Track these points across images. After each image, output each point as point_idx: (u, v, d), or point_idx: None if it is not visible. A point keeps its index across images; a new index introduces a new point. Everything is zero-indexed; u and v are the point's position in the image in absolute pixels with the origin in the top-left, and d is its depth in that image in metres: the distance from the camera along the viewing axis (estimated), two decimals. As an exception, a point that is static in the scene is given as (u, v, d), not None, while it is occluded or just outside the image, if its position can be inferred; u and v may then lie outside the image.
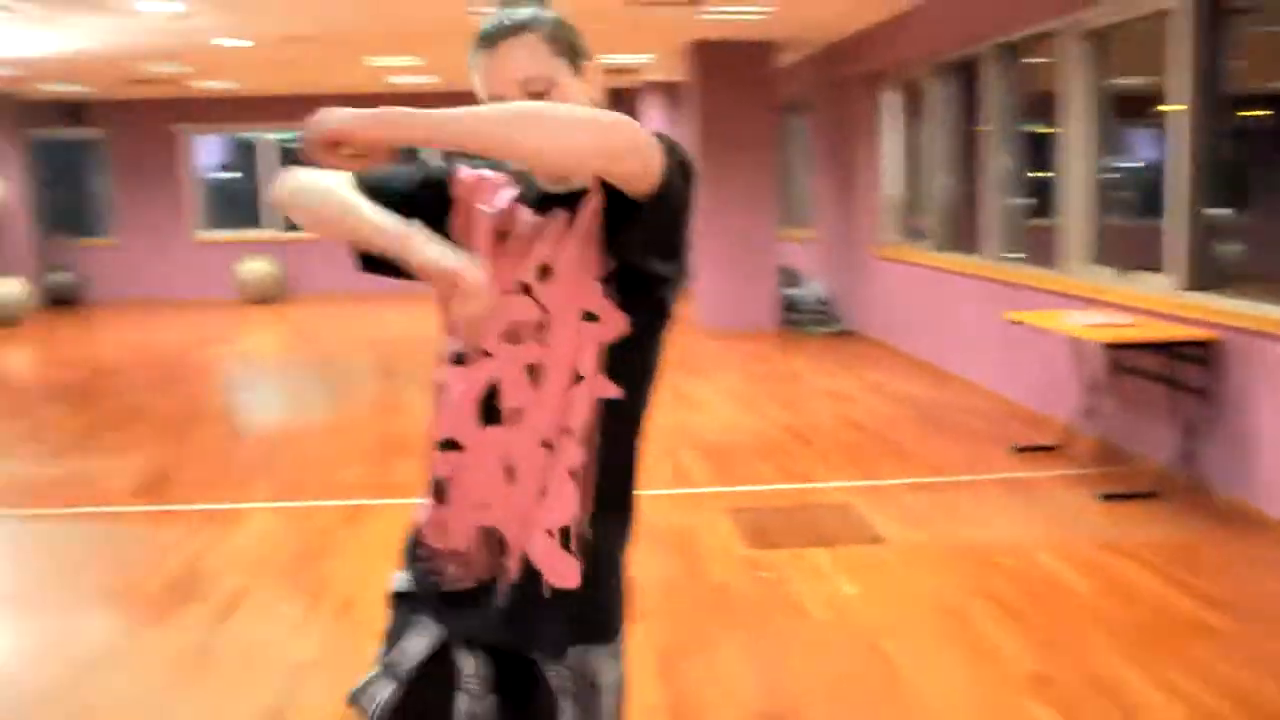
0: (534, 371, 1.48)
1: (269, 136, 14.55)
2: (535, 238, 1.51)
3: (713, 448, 6.01)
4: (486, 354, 1.50)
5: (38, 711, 3.24)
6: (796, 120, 12.25)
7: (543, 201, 1.54)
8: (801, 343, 9.76)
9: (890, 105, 9.33)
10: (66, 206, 14.73)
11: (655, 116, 13.59)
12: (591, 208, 1.47)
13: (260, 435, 7.23)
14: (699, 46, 10.09)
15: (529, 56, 1.46)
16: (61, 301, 13.95)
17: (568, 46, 1.50)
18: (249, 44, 9.28)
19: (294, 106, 13.80)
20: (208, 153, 15.43)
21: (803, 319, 10.41)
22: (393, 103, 1.32)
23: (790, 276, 10.95)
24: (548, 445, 1.47)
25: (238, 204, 15.30)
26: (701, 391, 7.58)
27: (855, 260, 10.12)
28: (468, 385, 1.50)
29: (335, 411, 7.91)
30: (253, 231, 14.57)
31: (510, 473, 1.48)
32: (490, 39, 1.48)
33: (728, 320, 10.28)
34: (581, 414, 1.47)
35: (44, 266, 13.94)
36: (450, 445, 1.52)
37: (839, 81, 10.27)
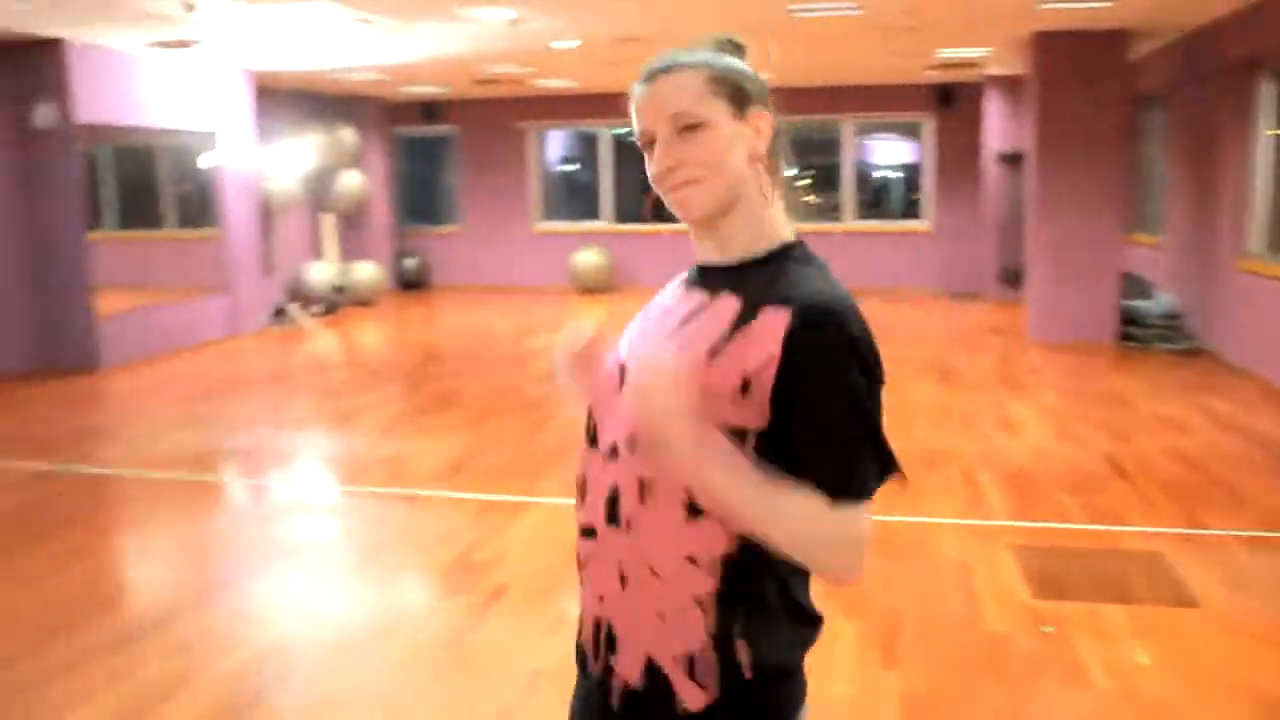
0: (644, 487, 1.35)
1: (608, 131, 15.04)
2: (688, 319, 1.41)
3: (1015, 474, 5.54)
4: (617, 453, 1.39)
5: (293, 689, 3.43)
6: (1155, 115, 11.17)
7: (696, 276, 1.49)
8: (1141, 360, 8.87)
9: (1265, 96, 8.25)
10: (419, 197, 15.95)
11: (995, 112, 12.85)
12: (768, 372, 1.30)
13: (560, 426, 7.42)
14: (1042, 37, 9.39)
15: (684, 91, 1.39)
16: (410, 285, 15.10)
17: (732, 89, 1.40)
18: (576, 44, 9.58)
19: (628, 102, 14.35)
20: (552, 146, 16.19)
21: (1146, 334, 9.46)
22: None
23: (1137, 286, 9.98)
24: (654, 572, 1.35)
25: (578, 195, 15.97)
26: (1016, 410, 7.03)
27: (1212, 270, 9.06)
28: (600, 480, 1.41)
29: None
30: (588, 223, 15.13)
31: (623, 580, 1.38)
32: (652, 74, 1.42)
33: (1058, 331, 9.53)
34: (713, 546, 1.32)
35: (398, 252, 15.14)
36: (588, 532, 1.45)
37: (1203, 71, 9.22)
